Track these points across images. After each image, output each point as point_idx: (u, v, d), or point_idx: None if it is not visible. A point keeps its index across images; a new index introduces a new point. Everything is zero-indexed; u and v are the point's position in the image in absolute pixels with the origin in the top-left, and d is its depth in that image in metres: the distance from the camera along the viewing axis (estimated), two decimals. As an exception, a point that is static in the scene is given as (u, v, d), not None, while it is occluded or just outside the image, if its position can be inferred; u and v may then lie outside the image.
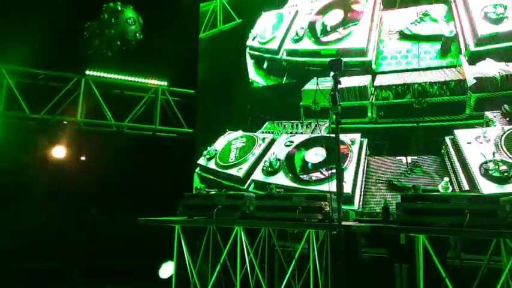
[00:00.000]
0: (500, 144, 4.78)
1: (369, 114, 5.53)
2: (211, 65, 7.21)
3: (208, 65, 7.27)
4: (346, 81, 5.72)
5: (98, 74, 7.17)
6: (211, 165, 6.64)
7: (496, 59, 5.04)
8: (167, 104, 7.59)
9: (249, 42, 6.74)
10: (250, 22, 6.76)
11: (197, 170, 6.84)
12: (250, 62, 6.71)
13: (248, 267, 4.13)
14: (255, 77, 6.62)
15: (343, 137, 5.53)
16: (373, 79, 5.59)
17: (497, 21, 5.01)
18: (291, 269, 3.76)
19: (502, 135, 4.82)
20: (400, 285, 4.42)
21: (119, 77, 7.34)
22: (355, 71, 5.70)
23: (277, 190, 4.98)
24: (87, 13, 6.90)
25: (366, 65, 5.65)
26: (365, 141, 5.47)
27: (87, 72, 7.09)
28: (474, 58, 5.13)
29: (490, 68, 5.08)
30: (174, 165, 6.99)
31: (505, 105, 4.96)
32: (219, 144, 6.71)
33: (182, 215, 4.19)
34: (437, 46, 5.36)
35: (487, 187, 4.65)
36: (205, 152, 6.79)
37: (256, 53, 6.66)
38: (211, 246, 4.58)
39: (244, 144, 6.43)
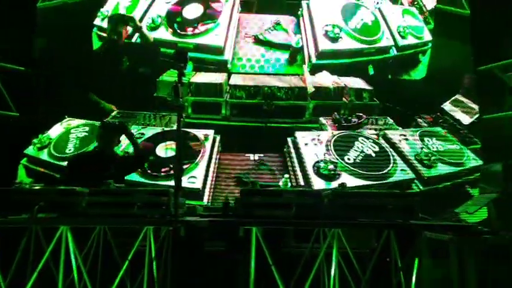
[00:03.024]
0: (330, 147, 5.27)
1: (223, 111, 5.43)
2: (52, 41, 5.89)
3: (47, 40, 5.93)
4: (203, 77, 5.51)
5: None
6: (43, 155, 5.46)
7: (331, 72, 5.57)
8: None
9: (98, 22, 5.77)
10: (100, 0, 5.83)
11: (23, 161, 5.53)
12: (97, 44, 5.78)
13: (75, 272, 3.42)
14: (103, 61, 5.77)
15: (196, 132, 5.30)
16: (228, 78, 5.50)
17: (335, 40, 5.54)
18: (124, 268, 3.27)
19: (331, 139, 5.33)
20: (237, 274, 4.46)
21: None
22: (211, 68, 5.52)
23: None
24: None
25: (222, 63, 5.52)
26: (218, 138, 5.34)
27: None
28: (315, 69, 5.56)
29: (326, 79, 5.59)
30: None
31: (335, 112, 5.52)
32: (55, 131, 5.57)
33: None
34: (286, 55, 5.62)
35: (318, 183, 5.06)
36: (35, 140, 5.52)
37: (105, 35, 5.78)
38: (32, 251, 3.65)
39: (86, 133, 5.49)
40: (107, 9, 5.79)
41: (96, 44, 5.80)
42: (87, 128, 5.53)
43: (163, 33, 5.58)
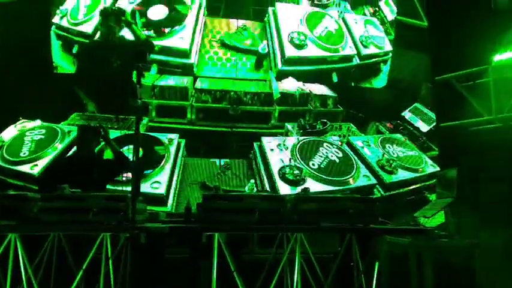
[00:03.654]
0: (295, 152, 5.27)
1: (188, 115, 5.31)
2: (4, 38, 5.54)
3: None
4: (167, 80, 5.37)
5: None
6: (-5, 160, 5.10)
7: (296, 78, 5.59)
8: None
9: (56, 20, 5.49)
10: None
11: (-28, 166, 5.13)
12: (55, 44, 5.51)
13: (25, 283, 3.18)
14: (61, 61, 5.48)
15: (161, 136, 5.14)
16: (193, 81, 5.39)
17: (300, 47, 5.57)
18: (78, 277, 3.08)
19: (297, 144, 5.34)
20: (200, 281, 4.34)
21: None
22: (176, 71, 5.39)
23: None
24: None
25: (188, 66, 5.40)
26: (183, 142, 5.20)
27: None
28: (281, 75, 5.56)
29: (291, 85, 5.61)
30: None
31: (301, 118, 5.55)
32: (8, 134, 5.21)
33: None
34: (252, 60, 5.59)
35: (284, 189, 5.04)
36: (-14, 144, 5.16)
37: (64, 33, 5.51)
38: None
39: (42, 136, 5.18)
40: (66, 7, 5.53)
41: (55, 43, 5.51)
42: (43, 131, 5.22)
43: (126, 34, 5.38)
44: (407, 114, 5.84)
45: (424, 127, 5.76)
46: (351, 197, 3.57)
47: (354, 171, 5.22)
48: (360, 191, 5.05)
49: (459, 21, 5.13)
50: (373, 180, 5.23)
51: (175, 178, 5.03)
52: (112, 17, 5.06)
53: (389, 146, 5.52)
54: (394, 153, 5.45)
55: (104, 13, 5.12)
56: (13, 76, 5.32)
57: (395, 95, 5.86)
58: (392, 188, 5.24)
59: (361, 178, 5.21)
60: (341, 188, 5.06)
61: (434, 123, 5.68)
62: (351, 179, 5.15)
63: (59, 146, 5.08)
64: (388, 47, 5.99)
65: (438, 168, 5.36)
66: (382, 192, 5.20)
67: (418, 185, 5.36)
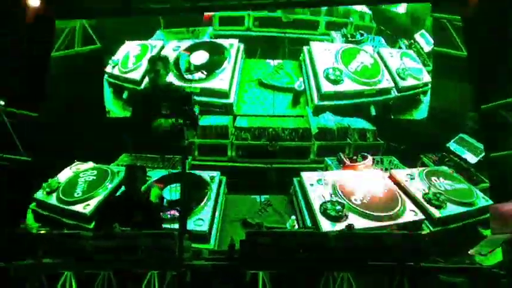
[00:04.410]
0: (336, 187, 5.16)
1: (229, 153, 5.43)
2: (63, 87, 6.06)
3: (58, 87, 6.10)
4: (209, 120, 5.57)
5: None
6: (52, 200, 5.41)
7: (334, 113, 5.59)
8: (2, 126, 5.96)
9: (109, 69, 5.99)
10: (111, 49, 6.06)
11: (32, 205, 5.48)
12: (108, 91, 5.95)
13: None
14: (113, 106, 5.88)
15: (203, 174, 5.26)
16: (233, 120, 5.55)
17: (336, 82, 5.62)
18: None
19: (337, 179, 5.23)
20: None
21: None
22: (217, 111, 5.59)
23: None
24: None
25: (228, 106, 5.59)
26: (224, 179, 5.29)
27: None
28: (317, 111, 5.59)
29: (329, 120, 5.61)
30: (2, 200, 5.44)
31: (340, 153, 5.48)
32: (64, 176, 5.57)
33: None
34: (289, 97, 5.70)
35: (326, 225, 4.90)
36: (45, 185, 5.51)
37: (115, 81, 5.95)
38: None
39: (94, 177, 5.47)
40: (118, 57, 6.01)
41: (107, 90, 5.95)
42: (95, 172, 5.53)
43: (171, 79, 5.71)
44: (452, 145, 5.58)
45: (472, 158, 5.45)
46: (399, 234, 3.39)
47: (399, 206, 4.99)
48: (407, 227, 4.78)
49: (499, 47, 4.97)
50: (421, 215, 4.97)
51: (217, 215, 5.08)
52: (159, 63, 5.43)
53: (435, 179, 5.25)
54: (441, 187, 5.17)
55: (152, 60, 5.52)
56: (70, 122, 5.78)
57: (438, 126, 5.66)
58: (442, 223, 4.93)
59: (407, 213, 4.97)
60: (386, 223, 4.85)
61: (482, 154, 5.37)
62: (396, 215, 4.93)
63: (109, 186, 5.34)
64: (427, 78, 5.88)
65: (491, 202, 5.01)
66: (431, 228, 4.90)
67: (470, 220, 5.02)
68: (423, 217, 4.93)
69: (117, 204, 3.83)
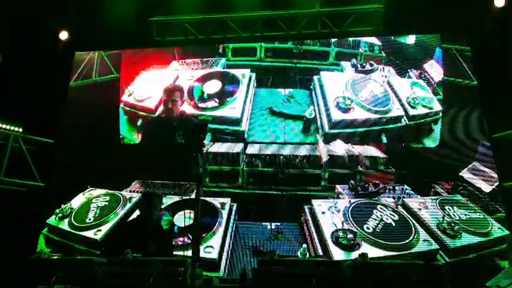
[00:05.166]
0: (348, 215, 5.08)
1: (240, 180, 5.43)
2: (79, 115, 6.21)
3: (74, 115, 6.26)
4: (220, 147, 5.62)
5: None
6: (64, 225, 5.43)
7: (344, 141, 5.59)
8: (19, 152, 6.10)
9: (125, 98, 6.15)
10: (128, 78, 6.23)
11: (44, 230, 5.50)
12: (123, 118, 6.09)
13: None
14: (127, 134, 5.99)
15: (213, 201, 5.25)
16: (245, 147, 5.59)
17: (346, 110, 5.65)
18: None
19: (349, 207, 5.16)
20: None
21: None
22: (229, 139, 5.65)
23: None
24: None
25: (239, 134, 5.64)
26: (234, 206, 5.26)
27: None
28: (328, 138, 5.60)
29: (339, 148, 5.60)
30: (17, 224, 5.48)
31: (351, 180, 5.42)
32: (77, 201, 5.61)
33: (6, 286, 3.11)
34: (300, 125, 5.73)
35: (337, 254, 4.80)
36: (57, 210, 5.55)
37: (131, 109, 6.09)
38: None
39: (106, 203, 5.50)
40: (133, 86, 6.17)
41: (123, 117, 6.08)
42: (107, 198, 5.57)
43: (185, 107, 5.83)
44: (465, 173, 5.49)
45: (486, 187, 5.34)
46: (414, 264, 3.29)
47: (412, 235, 4.87)
48: (421, 256, 4.64)
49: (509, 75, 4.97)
50: (435, 245, 4.83)
51: (227, 242, 5.02)
52: (175, 92, 5.56)
53: (449, 208, 5.14)
54: (455, 216, 5.05)
55: (168, 90, 5.65)
56: (84, 149, 5.88)
57: (450, 154, 5.59)
58: (458, 253, 4.78)
59: (421, 243, 4.83)
60: (400, 253, 4.72)
61: (497, 183, 5.26)
62: (410, 244, 4.80)
63: (121, 212, 5.35)
64: (438, 106, 5.86)
65: (507, 232, 4.85)
66: (447, 258, 4.75)
67: (486, 251, 4.85)
68: (438, 247, 4.80)
69: (131, 231, 3.81)
